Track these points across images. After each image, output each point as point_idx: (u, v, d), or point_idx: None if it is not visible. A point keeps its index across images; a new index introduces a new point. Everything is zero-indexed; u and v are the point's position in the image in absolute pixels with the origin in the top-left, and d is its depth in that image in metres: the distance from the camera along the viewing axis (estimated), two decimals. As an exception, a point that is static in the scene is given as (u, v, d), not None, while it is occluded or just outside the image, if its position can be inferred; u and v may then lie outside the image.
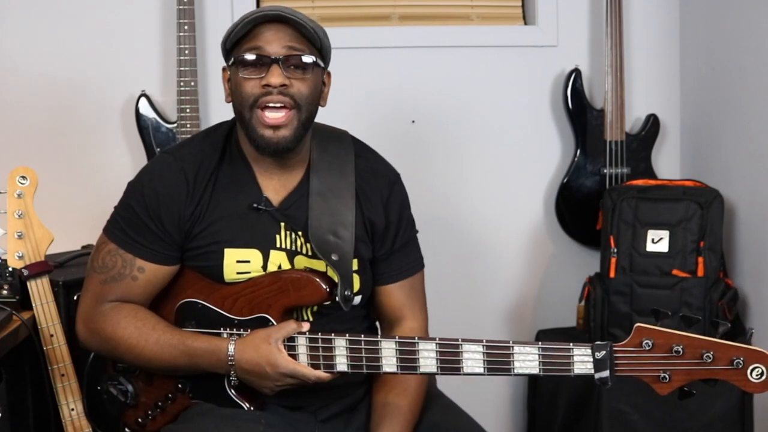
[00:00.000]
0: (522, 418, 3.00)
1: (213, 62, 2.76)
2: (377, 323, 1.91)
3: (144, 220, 1.71)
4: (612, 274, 2.58)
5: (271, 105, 1.66)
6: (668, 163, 2.97)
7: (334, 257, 1.70)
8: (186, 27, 2.63)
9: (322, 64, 1.73)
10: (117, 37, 2.78)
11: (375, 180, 1.83)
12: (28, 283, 2.04)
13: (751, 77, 2.55)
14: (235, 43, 1.69)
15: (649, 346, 1.55)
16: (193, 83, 2.62)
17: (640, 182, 2.69)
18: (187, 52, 2.62)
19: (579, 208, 2.88)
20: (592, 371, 1.57)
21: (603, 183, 2.83)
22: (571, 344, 1.58)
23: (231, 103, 1.74)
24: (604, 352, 1.56)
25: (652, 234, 2.56)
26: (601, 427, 2.47)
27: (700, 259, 2.50)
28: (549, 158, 2.95)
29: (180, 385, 1.75)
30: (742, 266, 2.64)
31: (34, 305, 2.04)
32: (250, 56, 1.66)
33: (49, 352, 2.04)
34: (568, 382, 2.64)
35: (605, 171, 2.83)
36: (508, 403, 3.02)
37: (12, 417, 2.06)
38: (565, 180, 2.88)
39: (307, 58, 1.67)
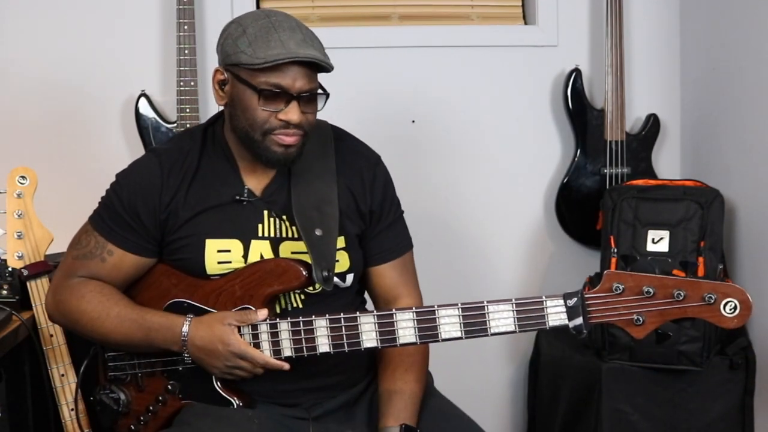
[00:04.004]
0: (522, 418, 3.00)
1: (213, 62, 2.73)
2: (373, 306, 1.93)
3: (119, 211, 1.77)
4: (612, 274, 2.58)
5: (286, 135, 1.71)
6: (668, 163, 2.97)
7: (317, 232, 1.73)
8: (186, 27, 2.63)
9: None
10: (117, 37, 2.78)
11: (358, 162, 1.86)
12: (27, 283, 2.05)
13: (751, 77, 2.55)
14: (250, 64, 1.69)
15: (619, 290, 1.56)
16: (193, 83, 2.63)
17: (640, 182, 2.69)
18: (187, 52, 2.63)
19: (579, 208, 2.88)
20: (566, 321, 1.58)
21: (603, 183, 2.83)
22: (543, 296, 1.60)
23: (223, 106, 1.78)
24: (576, 299, 1.58)
25: (652, 234, 2.56)
26: (601, 427, 2.48)
27: (701, 259, 2.50)
28: (549, 158, 2.95)
29: (170, 387, 1.77)
30: (742, 266, 2.64)
31: (33, 305, 2.04)
32: (275, 90, 1.68)
33: (49, 352, 2.04)
34: (569, 381, 2.64)
35: (605, 171, 2.83)
36: (508, 403, 3.02)
37: (12, 417, 2.06)
38: (565, 180, 2.87)
39: (321, 93, 1.74)
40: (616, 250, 2.57)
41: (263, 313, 1.69)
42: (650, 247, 2.55)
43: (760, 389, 2.49)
